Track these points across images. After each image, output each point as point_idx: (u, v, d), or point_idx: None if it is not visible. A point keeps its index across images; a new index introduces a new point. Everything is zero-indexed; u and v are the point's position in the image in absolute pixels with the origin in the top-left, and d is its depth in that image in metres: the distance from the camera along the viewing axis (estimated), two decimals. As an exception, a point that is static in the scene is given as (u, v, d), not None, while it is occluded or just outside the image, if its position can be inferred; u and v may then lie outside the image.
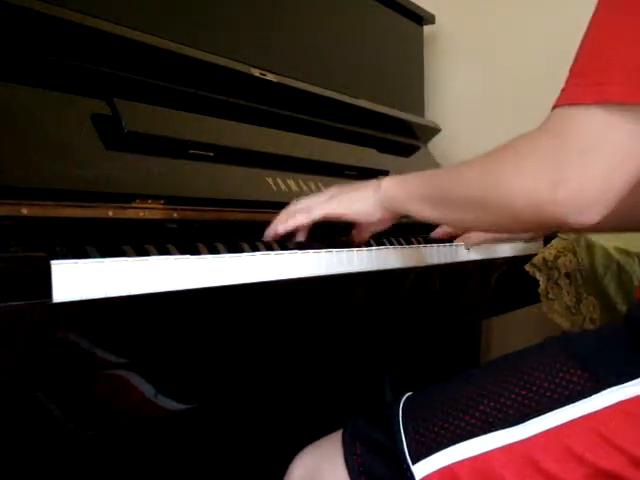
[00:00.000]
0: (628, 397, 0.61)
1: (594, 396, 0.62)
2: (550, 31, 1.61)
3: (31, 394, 0.52)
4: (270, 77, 1.06)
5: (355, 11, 1.38)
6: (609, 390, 0.62)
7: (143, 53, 0.87)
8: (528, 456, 0.62)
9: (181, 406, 0.66)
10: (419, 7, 1.58)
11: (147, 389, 0.61)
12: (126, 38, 0.84)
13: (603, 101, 0.56)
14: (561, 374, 0.65)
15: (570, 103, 0.58)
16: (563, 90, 0.60)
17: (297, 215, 0.80)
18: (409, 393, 0.72)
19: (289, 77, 1.12)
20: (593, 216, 0.58)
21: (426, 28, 1.65)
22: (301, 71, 1.18)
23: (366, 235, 0.88)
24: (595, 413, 0.61)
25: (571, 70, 0.60)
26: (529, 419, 0.63)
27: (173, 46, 0.91)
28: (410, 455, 0.65)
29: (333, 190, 0.83)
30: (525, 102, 1.65)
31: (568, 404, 0.63)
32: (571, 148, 0.57)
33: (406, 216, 0.79)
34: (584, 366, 0.65)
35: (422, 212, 0.75)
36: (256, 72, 1.04)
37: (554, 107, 0.60)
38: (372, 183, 0.80)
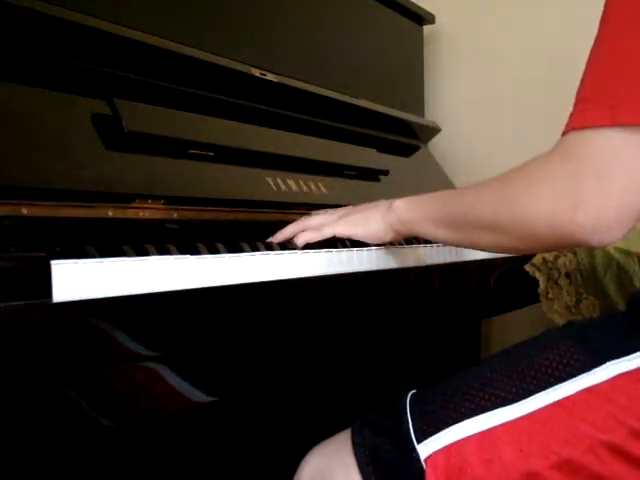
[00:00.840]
0: (627, 370, 0.62)
1: (594, 370, 0.63)
2: (550, 31, 1.61)
3: (30, 394, 0.52)
4: (270, 77, 1.06)
5: (355, 11, 1.38)
6: (609, 364, 0.63)
7: (143, 53, 0.87)
8: (531, 431, 0.63)
9: (181, 405, 0.66)
10: (419, 7, 1.58)
11: (147, 388, 0.61)
12: (126, 38, 0.84)
13: (615, 123, 0.56)
14: (562, 353, 0.66)
15: (582, 127, 0.58)
16: (572, 115, 0.60)
17: (307, 232, 0.82)
18: (415, 390, 0.73)
19: (289, 77, 1.12)
20: (613, 236, 0.60)
21: (426, 28, 1.65)
22: (301, 71, 1.18)
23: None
24: (594, 387, 0.62)
25: (579, 94, 0.61)
26: (531, 395, 0.64)
27: (173, 46, 0.91)
28: (415, 435, 0.66)
29: (344, 210, 0.86)
30: (525, 102, 1.66)
31: (569, 379, 0.64)
32: (587, 171, 0.58)
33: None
34: (585, 345, 0.66)
35: (435, 234, 0.76)
36: (256, 72, 1.04)
37: (564, 132, 0.60)
38: (383, 204, 0.81)
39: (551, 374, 0.65)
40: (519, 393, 0.65)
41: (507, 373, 0.67)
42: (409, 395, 0.71)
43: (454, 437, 0.64)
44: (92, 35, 0.80)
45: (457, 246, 0.93)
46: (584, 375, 0.63)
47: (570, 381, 0.64)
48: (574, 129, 0.59)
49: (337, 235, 0.82)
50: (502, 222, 0.65)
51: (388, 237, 0.82)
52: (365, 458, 0.67)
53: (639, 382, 0.62)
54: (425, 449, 0.65)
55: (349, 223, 0.83)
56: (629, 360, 0.62)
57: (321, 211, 0.89)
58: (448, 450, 0.64)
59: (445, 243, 0.81)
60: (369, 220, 0.82)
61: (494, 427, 0.64)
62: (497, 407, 0.65)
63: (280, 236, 0.83)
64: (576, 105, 0.61)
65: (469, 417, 0.65)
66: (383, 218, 0.80)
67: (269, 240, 0.82)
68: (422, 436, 0.65)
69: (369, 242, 0.84)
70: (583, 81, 0.61)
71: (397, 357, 1.47)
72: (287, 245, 0.81)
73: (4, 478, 0.76)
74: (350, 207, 0.87)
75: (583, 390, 0.63)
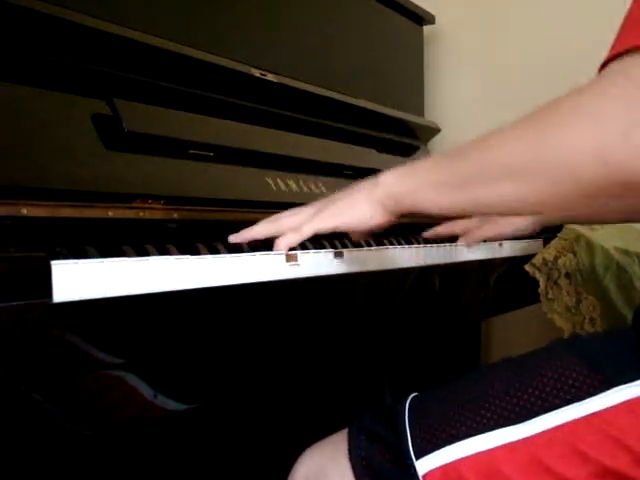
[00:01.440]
0: (635, 396, 0.61)
1: (600, 395, 0.62)
2: (550, 31, 1.61)
3: (31, 394, 0.52)
4: (270, 77, 1.06)
5: (355, 11, 1.38)
6: (616, 389, 0.61)
7: (143, 53, 0.87)
8: (532, 453, 0.62)
9: (182, 406, 0.66)
10: (419, 7, 1.58)
11: (147, 389, 0.61)
12: (126, 38, 0.84)
13: None
14: (567, 373, 0.64)
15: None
16: (622, 40, 0.52)
17: (286, 236, 0.72)
18: (415, 393, 0.72)
19: (289, 77, 1.12)
20: None
21: (426, 28, 1.65)
22: (301, 71, 1.18)
23: (362, 238, 0.83)
24: (601, 412, 0.61)
25: (628, 21, 0.53)
26: (534, 417, 0.63)
27: (173, 46, 0.91)
28: (414, 451, 0.65)
29: (320, 202, 0.75)
30: (525, 102, 1.65)
31: (574, 403, 0.62)
32: None
33: (410, 215, 0.68)
34: (591, 365, 0.64)
35: (441, 200, 0.64)
36: (256, 72, 1.04)
37: (608, 60, 0.52)
38: (365, 183, 0.71)
39: (556, 395, 0.63)
40: (522, 413, 0.63)
41: (510, 390, 0.65)
42: (407, 402, 0.70)
43: (454, 455, 0.63)
44: (92, 35, 0.80)
45: (463, 213, 0.76)
46: (590, 399, 0.62)
47: (575, 405, 0.62)
48: (631, 51, 0.50)
49: (318, 232, 0.72)
50: (534, 163, 0.54)
51: (376, 218, 0.70)
52: (362, 469, 0.66)
53: None
54: (423, 466, 0.64)
55: (329, 215, 0.72)
56: (637, 386, 0.61)
57: (295, 208, 0.77)
58: (447, 468, 0.63)
59: (449, 211, 0.66)
60: (352, 205, 0.71)
61: (495, 448, 0.63)
62: (498, 427, 0.63)
63: (247, 235, 0.74)
64: (628, 29, 0.53)
65: (470, 436, 0.64)
66: (367, 199, 0.69)
67: (233, 238, 0.74)
68: (421, 452, 0.64)
69: (354, 230, 0.73)
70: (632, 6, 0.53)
71: (397, 357, 1.47)
72: (260, 248, 0.73)
73: (3, 477, 0.76)
74: (326, 198, 0.75)
75: (588, 415, 0.61)
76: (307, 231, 0.72)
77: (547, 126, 0.55)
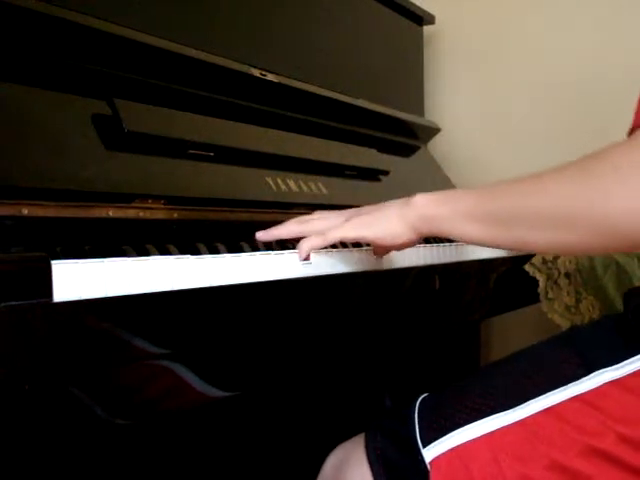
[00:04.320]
0: (616, 378, 0.64)
1: (584, 378, 0.66)
2: (550, 31, 1.61)
3: (31, 394, 0.52)
4: (270, 77, 1.06)
5: (355, 11, 1.38)
6: (597, 372, 0.65)
7: (143, 53, 0.87)
8: (524, 436, 0.65)
9: (180, 404, 0.66)
10: (419, 7, 1.58)
11: (147, 388, 0.61)
12: (126, 38, 0.84)
13: None
14: (557, 360, 0.69)
15: None
16: None
17: (311, 238, 0.73)
18: (425, 394, 0.77)
19: (289, 77, 1.12)
20: None
21: (426, 28, 1.65)
22: (301, 71, 1.18)
23: (383, 254, 0.83)
24: (584, 394, 0.65)
25: None
26: (525, 402, 0.67)
27: (173, 46, 0.91)
28: (421, 440, 0.70)
29: (352, 211, 0.76)
30: (524, 102, 1.66)
31: (560, 387, 0.66)
32: None
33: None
34: (578, 352, 0.69)
35: (473, 233, 0.65)
36: (256, 72, 1.04)
37: None
38: (397, 201, 0.72)
39: (544, 381, 0.67)
40: (516, 399, 0.67)
41: (508, 381, 0.70)
42: (418, 401, 0.75)
43: (456, 441, 0.67)
44: (92, 35, 0.80)
45: (498, 247, 0.79)
46: (574, 383, 0.66)
47: (561, 389, 0.66)
48: None
49: (344, 239, 0.74)
50: (582, 217, 0.55)
51: (404, 237, 0.71)
52: (376, 458, 0.73)
53: (627, 390, 0.64)
54: (430, 453, 0.68)
55: (360, 224, 0.73)
56: (617, 369, 0.65)
57: (325, 212, 0.80)
58: (450, 454, 0.67)
59: (484, 243, 0.68)
60: (381, 220, 0.72)
61: (492, 432, 0.66)
62: (494, 413, 0.67)
63: (276, 232, 0.76)
64: None
65: (469, 423, 0.68)
66: (399, 216, 0.71)
67: (261, 235, 0.76)
68: (427, 441, 0.69)
69: (381, 244, 0.75)
70: None
71: (397, 356, 1.47)
72: (286, 244, 0.79)
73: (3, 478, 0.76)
74: (359, 208, 0.77)
75: (573, 398, 0.65)
76: (333, 237, 0.73)
77: (599, 184, 0.55)
